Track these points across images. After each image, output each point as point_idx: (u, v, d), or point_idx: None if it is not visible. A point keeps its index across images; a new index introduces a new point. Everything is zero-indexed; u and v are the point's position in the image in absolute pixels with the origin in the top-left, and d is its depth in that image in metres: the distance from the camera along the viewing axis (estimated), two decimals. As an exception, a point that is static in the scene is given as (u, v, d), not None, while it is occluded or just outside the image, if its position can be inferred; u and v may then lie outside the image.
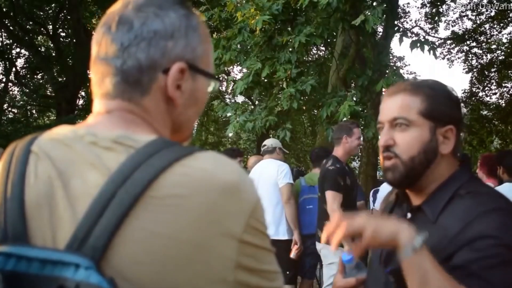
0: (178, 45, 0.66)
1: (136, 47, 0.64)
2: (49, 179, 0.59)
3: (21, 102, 16.13)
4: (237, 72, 18.26)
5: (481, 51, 16.81)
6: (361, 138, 3.44)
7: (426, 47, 5.11)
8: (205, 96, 0.73)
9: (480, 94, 16.55)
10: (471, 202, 0.96)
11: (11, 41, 15.45)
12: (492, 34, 16.06)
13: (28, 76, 16.06)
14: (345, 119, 4.95)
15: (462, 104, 1.12)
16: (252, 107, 7.61)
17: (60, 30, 16.00)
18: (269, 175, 3.98)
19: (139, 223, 0.54)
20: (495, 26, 15.70)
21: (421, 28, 16.74)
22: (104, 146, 0.60)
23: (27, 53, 15.66)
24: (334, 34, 6.94)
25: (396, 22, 7.89)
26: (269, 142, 4.30)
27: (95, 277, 0.50)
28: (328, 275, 3.37)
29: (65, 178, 0.59)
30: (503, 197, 0.99)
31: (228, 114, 5.89)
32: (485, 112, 16.34)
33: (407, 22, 16.64)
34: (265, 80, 5.80)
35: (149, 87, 0.66)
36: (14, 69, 15.72)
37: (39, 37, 16.54)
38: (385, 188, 4.27)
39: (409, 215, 1.07)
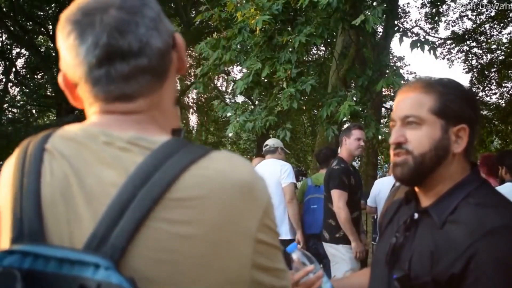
0: (166, 21, 0.69)
1: (152, 38, 0.64)
2: (65, 177, 0.59)
3: (21, 102, 16.14)
4: (237, 72, 18.26)
5: (481, 51, 16.84)
6: (362, 139, 3.47)
7: (426, 47, 5.11)
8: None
9: (480, 94, 16.55)
10: (479, 215, 0.94)
11: (11, 41, 15.46)
12: (492, 34, 16.09)
13: (28, 76, 16.06)
14: (345, 119, 4.97)
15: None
16: (252, 107, 7.60)
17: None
18: (272, 175, 3.98)
19: (158, 225, 0.55)
20: (495, 26, 15.72)
21: (421, 28, 16.76)
22: (120, 147, 0.60)
23: (27, 53, 15.66)
24: (334, 34, 6.93)
25: (396, 22, 7.89)
26: (271, 142, 4.31)
27: (116, 277, 0.50)
28: (340, 274, 3.39)
29: (81, 176, 0.58)
30: (510, 208, 0.98)
31: (228, 114, 5.89)
32: (485, 112, 16.33)
33: (407, 22, 16.67)
34: (265, 80, 5.79)
35: (168, 69, 0.68)
36: (14, 69, 15.73)
37: (39, 37, 16.54)
38: (379, 184, 4.28)
39: (416, 215, 1.06)
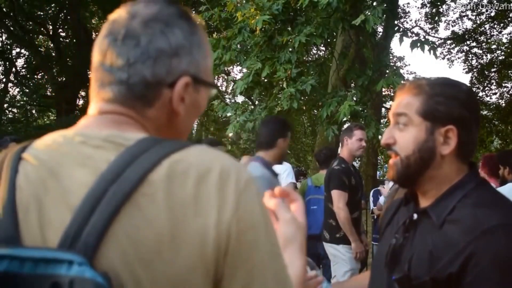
0: (183, 62, 0.68)
1: (142, 64, 0.65)
2: (42, 181, 0.60)
3: (21, 102, 16.13)
4: (237, 72, 18.25)
5: (481, 51, 16.84)
6: (363, 140, 3.46)
7: (426, 47, 5.11)
8: (205, 103, 0.75)
9: (480, 94, 16.56)
10: (476, 214, 0.95)
11: (11, 41, 15.46)
12: (492, 34, 16.09)
13: (28, 76, 16.06)
14: (345, 119, 4.96)
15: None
16: (252, 107, 7.60)
17: (60, 30, 16.02)
18: None
19: (129, 220, 0.55)
20: (495, 26, 15.72)
21: (421, 28, 16.77)
22: (94, 145, 0.61)
23: (27, 53, 15.67)
24: (334, 34, 6.93)
25: (396, 22, 7.89)
26: None
27: (89, 272, 0.51)
28: (340, 274, 3.39)
29: (58, 178, 0.60)
30: (508, 207, 0.98)
31: (228, 114, 5.89)
32: (485, 112, 16.33)
33: (407, 22, 16.68)
34: (265, 80, 5.79)
35: (154, 101, 0.67)
36: (14, 69, 15.73)
37: (39, 37, 16.55)
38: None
39: (415, 216, 1.06)
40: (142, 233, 0.55)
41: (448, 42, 17.10)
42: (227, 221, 0.58)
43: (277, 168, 3.99)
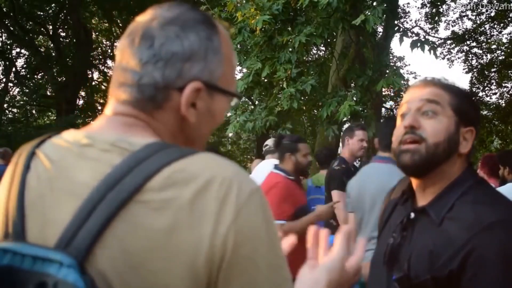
0: (195, 67, 0.67)
1: (153, 65, 0.65)
2: (49, 181, 0.62)
3: (21, 102, 16.13)
4: (237, 72, 18.23)
5: (481, 51, 16.82)
6: (365, 140, 3.45)
7: (427, 47, 5.11)
8: (224, 113, 0.73)
9: (480, 94, 16.54)
10: (476, 211, 0.95)
11: (11, 41, 15.45)
12: (492, 34, 16.07)
13: (28, 76, 16.05)
14: (345, 119, 4.96)
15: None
16: (252, 107, 7.60)
17: (60, 30, 16.01)
18: None
19: (122, 227, 0.56)
20: (495, 26, 15.70)
21: (421, 28, 16.74)
22: (101, 148, 0.62)
23: (27, 53, 15.66)
24: (334, 34, 6.94)
25: (396, 22, 7.89)
26: (271, 142, 4.20)
27: (72, 276, 0.51)
28: None
29: (64, 179, 0.61)
30: (506, 204, 0.99)
31: (228, 114, 5.88)
32: (485, 112, 16.33)
33: (407, 22, 16.64)
34: (265, 80, 5.79)
35: (163, 104, 0.67)
36: (14, 69, 15.71)
37: (39, 37, 16.54)
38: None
39: (412, 215, 1.06)
40: (133, 240, 0.55)
41: (448, 42, 17.09)
42: (224, 233, 0.57)
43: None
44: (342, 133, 3.65)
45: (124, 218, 0.56)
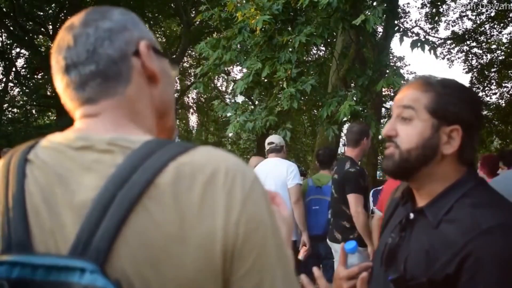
0: (135, 32, 0.72)
1: (101, 47, 0.68)
2: (49, 185, 0.60)
3: (21, 102, 16.13)
4: (237, 72, 18.24)
5: (481, 51, 16.83)
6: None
7: (427, 47, 5.10)
8: (173, 75, 0.78)
9: (480, 94, 16.53)
10: (474, 215, 0.94)
11: (11, 41, 15.45)
12: (492, 34, 16.07)
13: (28, 76, 16.05)
14: (345, 119, 4.96)
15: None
16: (252, 107, 7.60)
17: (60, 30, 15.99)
18: (278, 175, 3.82)
19: (138, 223, 0.56)
20: (495, 26, 15.70)
21: (421, 28, 16.75)
22: (100, 149, 0.62)
23: (27, 53, 15.66)
24: (334, 34, 6.93)
25: (396, 22, 7.89)
26: (277, 140, 4.11)
27: (101, 281, 0.51)
28: None
29: (65, 183, 0.60)
30: (507, 207, 0.97)
31: (228, 114, 5.88)
32: (485, 112, 16.32)
33: (407, 22, 16.66)
34: (265, 80, 5.79)
35: (130, 75, 0.70)
36: (14, 69, 15.71)
37: (39, 37, 16.54)
38: None
39: (411, 215, 1.06)
40: (151, 235, 0.56)
41: (448, 42, 17.09)
42: (235, 221, 0.58)
43: (283, 168, 3.90)
44: (347, 133, 3.50)
45: (138, 215, 0.56)
